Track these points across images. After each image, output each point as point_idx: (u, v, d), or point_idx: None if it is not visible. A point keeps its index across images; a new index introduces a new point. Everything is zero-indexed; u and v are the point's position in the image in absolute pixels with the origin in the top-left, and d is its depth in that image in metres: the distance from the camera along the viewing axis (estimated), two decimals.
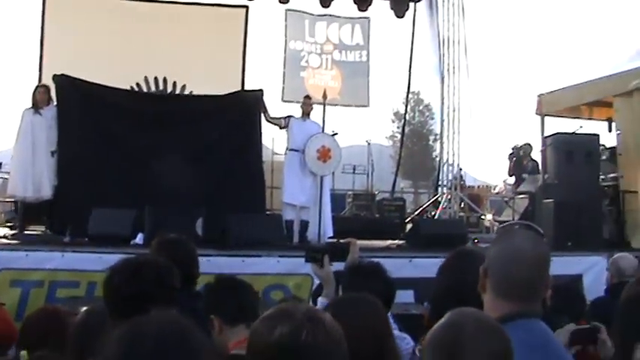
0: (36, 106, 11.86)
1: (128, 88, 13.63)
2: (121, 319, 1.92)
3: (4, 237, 11.06)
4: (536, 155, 16.47)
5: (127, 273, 3.35)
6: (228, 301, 3.91)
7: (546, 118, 15.76)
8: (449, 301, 2.84)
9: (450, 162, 17.55)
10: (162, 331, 1.81)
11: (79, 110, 12.22)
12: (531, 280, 2.64)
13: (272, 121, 12.83)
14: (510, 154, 18.42)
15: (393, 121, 53.12)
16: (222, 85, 14.29)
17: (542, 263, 2.71)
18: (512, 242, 2.71)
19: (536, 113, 15.78)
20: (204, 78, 15.36)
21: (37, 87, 12.19)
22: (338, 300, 3.72)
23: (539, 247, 2.77)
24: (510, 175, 18.60)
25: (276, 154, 15.88)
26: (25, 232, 11.96)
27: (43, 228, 12.51)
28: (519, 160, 17.99)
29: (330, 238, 12.51)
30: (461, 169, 18.13)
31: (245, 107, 12.86)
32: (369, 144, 19.87)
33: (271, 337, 2.13)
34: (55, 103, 12.06)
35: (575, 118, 15.89)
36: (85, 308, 3.86)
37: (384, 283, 4.18)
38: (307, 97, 13.10)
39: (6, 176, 14.24)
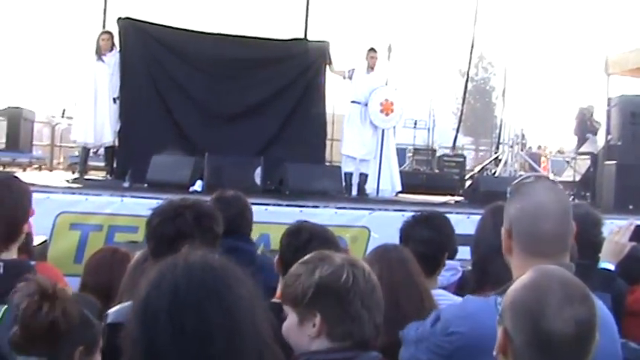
0: (99, 53, 11.92)
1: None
2: (161, 260, 1.91)
3: (66, 181, 11.22)
4: (602, 117, 16.17)
5: (167, 214, 3.36)
6: None
7: (614, 79, 15.40)
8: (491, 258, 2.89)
9: (512, 120, 17.32)
10: (190, 265, 1.80)
11: (142, 55, 12.34)
12: (559, 234, 2.55)
13: (336, 72, 12.81)
14: (576, 114, 18.21)
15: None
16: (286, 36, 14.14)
17: (566, 214, 2.61)
18: (533, 197, 2.57)
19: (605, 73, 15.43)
20: (267, 27, 15.25)
21: (101, 33, 12.22)
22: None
23: (561, 197, 2.67)
24: (575, 135, 18.38)
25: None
26: (86, 177, 12.11)
27: (103, 174, 12.70)
28: (583, 121, 17.75)
29: (398, 192, 12.53)
30: (522, 129, 17.89)
31: (310, 57, 12.84)
32: (430, 100, 19.67)
33: (312, 278, 2.21)
34: (118, 49, 12.14)
35: None
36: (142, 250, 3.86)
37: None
38: (372, 49, 12.70)
39: (70, 122, 14.42)
